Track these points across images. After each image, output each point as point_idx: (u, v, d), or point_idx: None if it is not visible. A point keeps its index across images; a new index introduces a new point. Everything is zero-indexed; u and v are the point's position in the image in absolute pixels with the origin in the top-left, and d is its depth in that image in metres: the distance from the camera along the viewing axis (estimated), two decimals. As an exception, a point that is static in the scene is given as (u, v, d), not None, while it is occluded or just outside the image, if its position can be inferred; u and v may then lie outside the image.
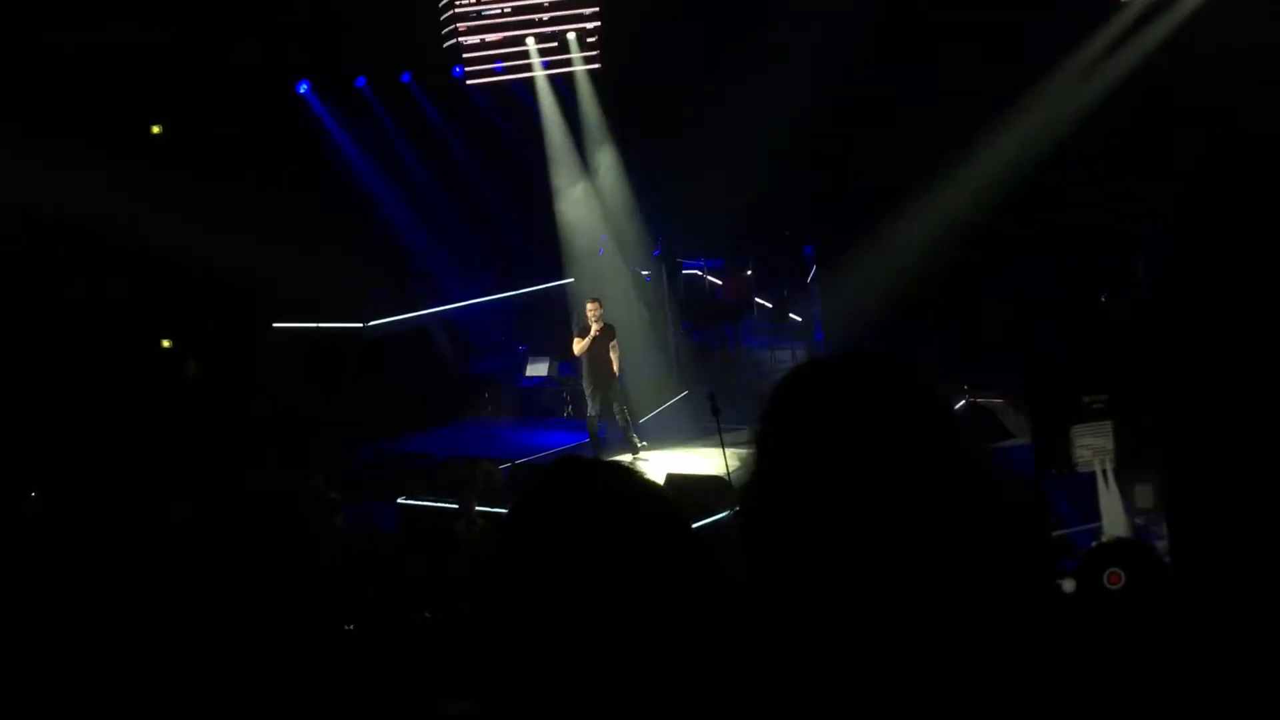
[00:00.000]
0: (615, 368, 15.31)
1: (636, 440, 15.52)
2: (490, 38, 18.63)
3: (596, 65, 18.77)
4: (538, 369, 19.09)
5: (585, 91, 19.11)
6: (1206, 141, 1.93)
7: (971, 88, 15.95)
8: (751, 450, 1.64)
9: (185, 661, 1.53)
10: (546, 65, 18.96)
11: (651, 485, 1.74)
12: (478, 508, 12.42)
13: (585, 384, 15.54)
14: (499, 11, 18.44)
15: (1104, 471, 5.21)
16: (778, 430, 1.60)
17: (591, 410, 15.40)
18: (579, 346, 15.43)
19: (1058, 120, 16.54)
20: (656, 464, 14.69)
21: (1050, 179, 16.16)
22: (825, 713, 1.48)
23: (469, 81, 19.02)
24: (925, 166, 16.98)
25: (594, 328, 15.25)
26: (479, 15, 18.45)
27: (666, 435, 16.26)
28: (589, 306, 15.55)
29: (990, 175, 16.80)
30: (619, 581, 1.56)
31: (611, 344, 15.31)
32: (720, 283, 19.87)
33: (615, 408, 15.37)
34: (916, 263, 16.67)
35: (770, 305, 19.22)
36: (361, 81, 19.41)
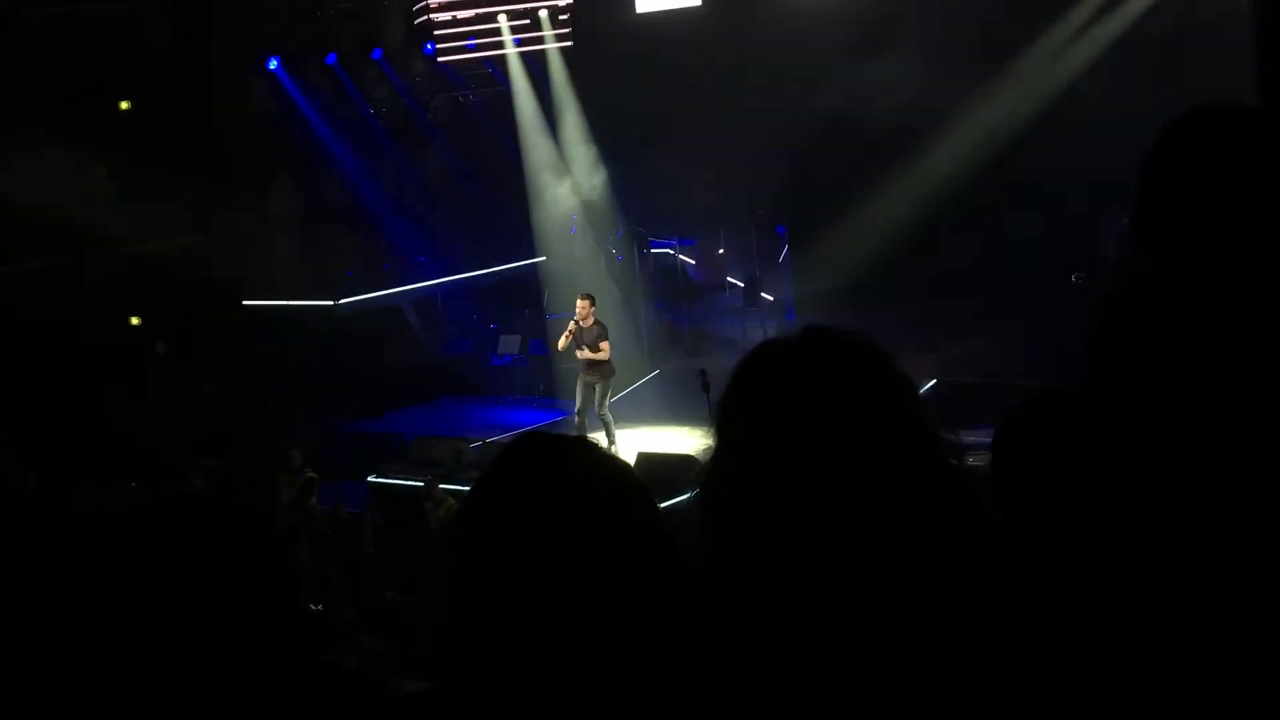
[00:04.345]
0: (599, 358, 14.52)
1: (615, 434, 15.02)
2: (462, 14, 18.55)
3: (569, 43, 18.71)
4: (509, 347, 19.07)
5: (557, 69, 19.04)
6: (1171, 118, 1.92)
7: (945, 67, 15.97)
8: (713, 429, 1.63)
9: (133, 640, 1.52)
10: (518, 43, 18.89)
11: (615, 461, 1.72)
12: (448, 486, 12.41)
13: (584, 378, 14.69)
14: (470, -12, 18.39)
15: None
16: (738, 409, 1.59)
17: (598, 409, 14.60)
18: (560, 344, 14.85)
19: (1031, 100, 16.59)
20: (627, 443, 14.67)
21: (1023, 159, 16.21)
22: (784, 696, 1.47)
23: (440, 59, 18.94)
24: (898, 146, 17.00)
25: (570, 326, 14.63)
26: (450, -8, 18.38)
27: (637, 414, 16.25)
28: (578, 304, 14.74)
29: (963, 155, 16.83)
30: (579, 561, 1.54)
31: (604, 343, 14.52)
32: (693, 261, 19.87)
33: (604, 402, 14.66)
34: (889, 242, 16.71)
35: (742, 284, 19.22)
36: (332, 58, 19.27)
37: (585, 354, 14.52)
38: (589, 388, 14.70)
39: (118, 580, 1.57)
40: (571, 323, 14.73)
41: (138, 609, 1.55)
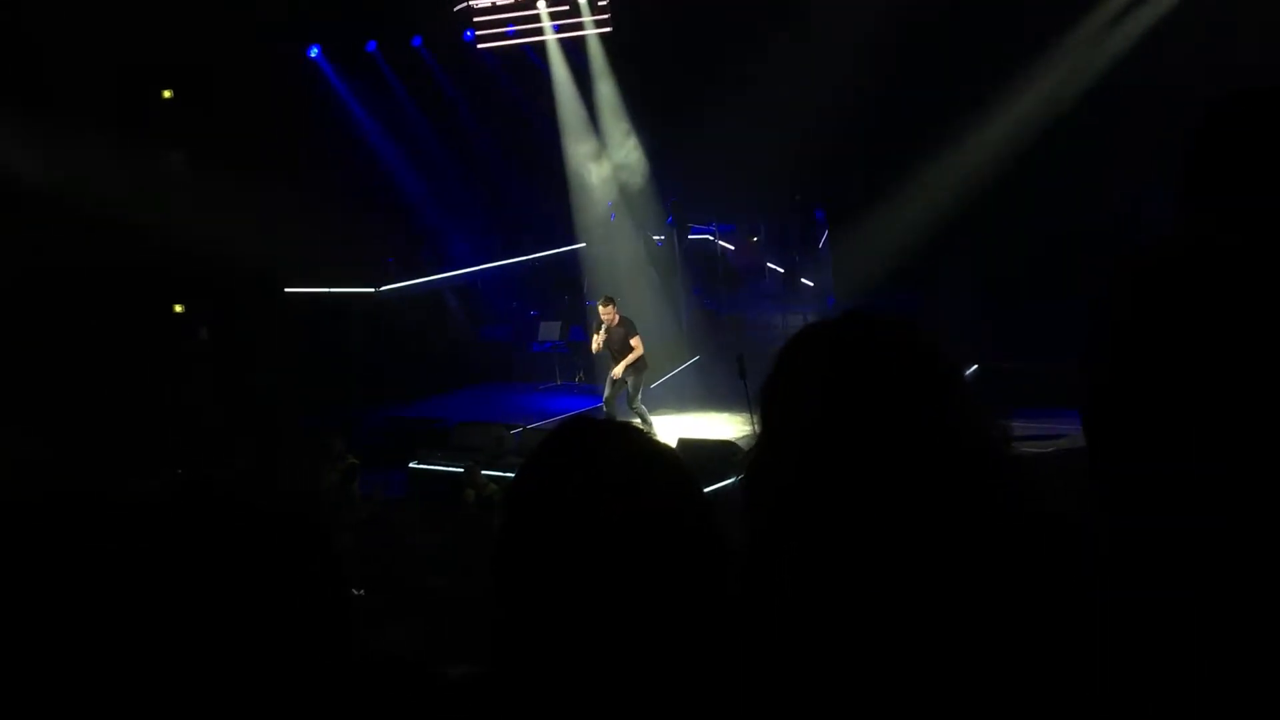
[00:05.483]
0: (635, 356, 14.43)
1: (651, 421, 14.94)
2: (501, 1, 18.54)
3: (608, 29, 18.65)
4: (550, 333, 19.10)
5: (597, 55, 19.01)
6: (1211, 103, 1.89)
7: (984, 51, 15.83)
8: (757, 416, 1.63)
9: (175, 638, 1.51)
10: (558, 29, 18.86)
11: (662, 447, 1.72)
12: (489, 472, 12.44)
13: (617, 372, 14.52)
14: (510, -26, 18.39)
15: None
16: (781, 395, 1.59)
17: (630, 404, 14.56)
18: (594, 346, 14.82)
19: (1069, 85, 16.42)
20: (667, 429, 14.66)
21: (1062, 143, 16.05)
22: (820, 682, 1.47)
23: (480, 45, 18.94)
24: (937, 130, 16.88)
25: (599, 333, 14.56)
26: (490, -22, 18.38)
27: (677, 400, 16.23)
28: (600, 309, 14.69)
29: (1002, 138, 16.68)
30: (624, 545, 1.55)
31: (633, 339, 14.44)
32: (731, 247, 19.81)
33: (636, 396, 14.61)
34: (928, 227, 16.60)
35: (781, 270, 19.15)
36: (372, 46, 19.33)
37: (618, 367, 14.42)
38: (619, 381, 14.61)
39: (145, 574, 1.56)
40: (601, 331, 14.61)
41: (166, 603, 1.54)
